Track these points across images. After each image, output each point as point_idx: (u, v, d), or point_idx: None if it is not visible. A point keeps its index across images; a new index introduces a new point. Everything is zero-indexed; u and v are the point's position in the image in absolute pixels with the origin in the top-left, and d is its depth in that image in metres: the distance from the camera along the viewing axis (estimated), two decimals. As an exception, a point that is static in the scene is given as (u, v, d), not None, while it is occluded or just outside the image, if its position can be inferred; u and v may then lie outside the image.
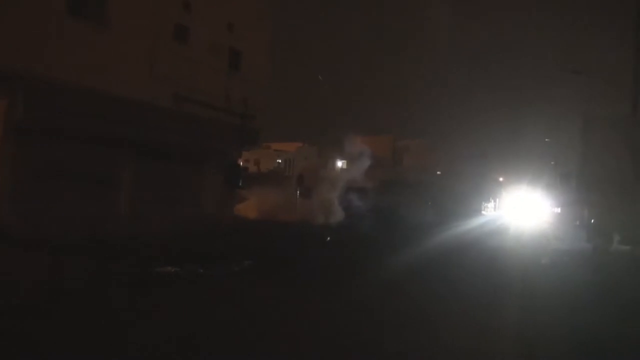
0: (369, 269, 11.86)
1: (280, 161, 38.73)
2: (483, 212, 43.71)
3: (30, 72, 11.75)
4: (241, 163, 39.39)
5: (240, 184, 18.40)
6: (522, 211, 37.26)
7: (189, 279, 9.99)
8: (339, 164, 35.38)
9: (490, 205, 46.73)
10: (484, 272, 12.29)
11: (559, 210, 32.05)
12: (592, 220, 8.86)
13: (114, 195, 14.36)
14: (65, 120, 12.67)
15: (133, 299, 8.01)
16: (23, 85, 11.83)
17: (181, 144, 15.68)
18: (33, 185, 12.46)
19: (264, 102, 18.47)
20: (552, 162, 36.83)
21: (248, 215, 21.20)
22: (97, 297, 7.95)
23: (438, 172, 38.44)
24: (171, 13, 15.05)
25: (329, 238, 17.53)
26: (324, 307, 8.28)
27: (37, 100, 12.12)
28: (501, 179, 54.54)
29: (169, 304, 7.99)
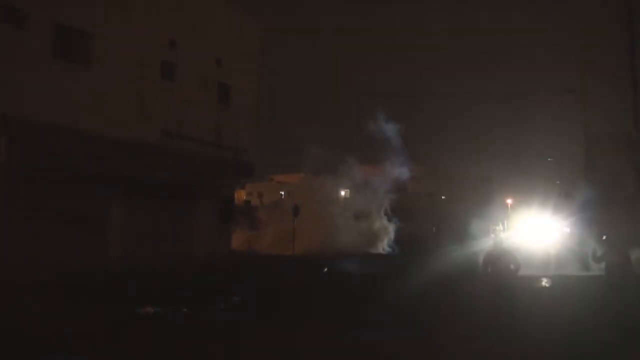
0: (361, 305, 11.49)
1: (282, 193, 38.59)
2: (492, 234, 42.90)
3: (15, 115, 11.80)
4: (244, 197, 39.14)
5: (233, 219, 18.17)
6: (531, 233, 36.59)
7: (172, 318, 9.73)
8: (342, 193, 35.17)
9: (499, 227, 46.03)
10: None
11: (568, 230, 31.43)
12: (604, 237, 8.84)
13: (103, 234, 14.19)
14: (51, 161, 12.65)
15: (105, 341, 7.75)
16: (8, 128, 11.87)
17: (171, 181, 15.59)
18: (20, 226, 12.35)
19: (255, 134, 18.44)
20: (558, 182, 36.30)
21: (245, 249, 20.94)
22: (65, 339, 7.70)
23: (443, 197, 38.01)
24: (157, 51, 15.17)
25: (325, 269, 17.18)
26: (307, 347, 7.93)
27: (23, 143, 12.14)
28: (509, 201, 53.91)
29: (140, 345, 7.71)
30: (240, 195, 36.81)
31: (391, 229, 30.64)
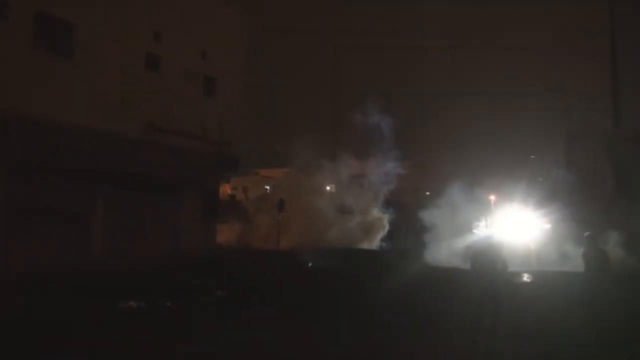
0: (346, 299, 11.52)
1: (268, 187, 38.50)
2: (474, 230, 43.36)
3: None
4: (229, 191, 38.96)
5: (218, 214, 18.07)
6: (513, 229, 37.05)
7: (155, 313, 9.68)
8: (328, 187, 35.13)
9: (482, 223, 46.51)
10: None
11: (549, 226, 31.91)
12: (585, 234, 8.75)
13: (86, 229, 14.01)
14: (31, 154, 12.43)
15: (87, 335, 7.69)
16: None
17: (155, 175, 15.42)
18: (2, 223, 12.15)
19: (240, 128, 18.32)
20: (540, 179, 36.76)
21: (231, 244, 20.85)
22: (45, 334, 7.62)
23: (427, 193, 38.21)
24: (141, 43, 14.97)
25: (310, 264, 17.19)
26: (285, 339, 7.97)
27: (1, 136, 11.90)
28: (492, 197, 54.48)
29: (121, 339, 7.66)
30: (226, 190, 36.62)
31: (383, 224, 30.66)
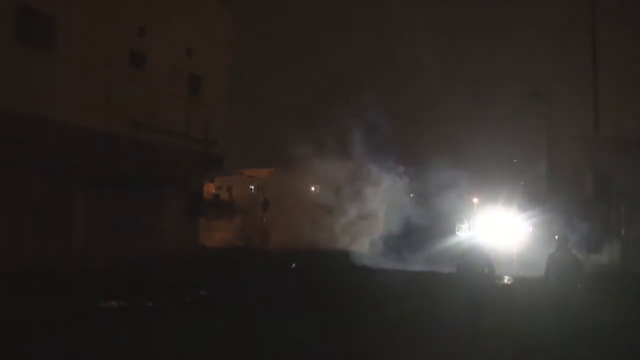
0: (329, 297, 11.54)
1: (252, 187, 38.35)
2: (457, 232, 43.75)
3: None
4: (213, 190, 38.78)
5: (202, 213, 17.95)
6: (496, 231, 37.47)
7: (135, 312, 9.56)
8: (312, 188, 35.07)
9: (465, 225, 46.92)
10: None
11: (531, 229, 32.37)
12: (557, 237, 8.59)
13: (66, 227, 13.77)
14: (12, 149, 12.18)
15: (64, 336, 7.55)
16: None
17: (138, 172, 15.25)
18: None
19: (225, 127, 18.23)
20: (522, 182, 37.22)
21: (215, 243, 20.72)
22: (23, 330, 7.47)
23: (411, 195, 38.41)
24: (125, 38, 14.78)
25: (294, 264, 17.15)
26: (265, 336, 7.95)
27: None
28: (475, 200, 54.98)
29: (100, 339, 7.54)
30: (210, 189, 36.34)
31: (373, 226, 30.53)
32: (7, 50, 12.01)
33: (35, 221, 12.94)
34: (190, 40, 16.85)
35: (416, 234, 29.96)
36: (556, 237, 8.38)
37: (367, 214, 29.70)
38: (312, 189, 34.90)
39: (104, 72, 14.12)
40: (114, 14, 14.36)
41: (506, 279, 16.01)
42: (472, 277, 7.98)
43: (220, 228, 26.05)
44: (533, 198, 31.90)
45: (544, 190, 28.74)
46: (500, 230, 38.28)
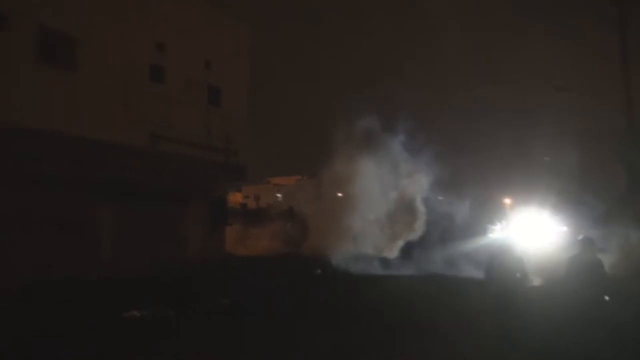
0: (353, 306, 11.44)
1: (279, 195, 38.59)
2: (489, 234, 42.80)
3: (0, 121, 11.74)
4: (240, 199, 39.05)
5: (227, 221, 18.12)
6: (529, 232, 36.55)
7: (158, 322, 9.69)
8: (340, 194, 34.94)
9: (497, 227, 45.86)
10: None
11: (565, 229, 31.38)
12: (579, 237, 7.70)
13: (93, 239, 14.13)
14: (38, 166, 12.59)
15: (86, 344, 7.71)
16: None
17: (161, 183, 15.53)
18: (7, 232, 12.30)
19: (246, 137, 18.40)
20: (555, 181, 36.13)
21: (241, 251, 20.87)
22: (45, 342, 7.66)
23: (440, 198, 37.83)
24: (145, 54, 15.15)
25: (319, 271, 17.11)
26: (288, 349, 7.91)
27: (8, 148, 12.09)
28: (508, 201, 53.81)
29: (120, 348, 7.67)
30: (237, 198, 36.83)
31: (401, 230, 30.14)
32: (31, 71, 12.45)
33: (62, 234, 13.33)
34: (209, 53, 17.13)
35: (446, 237, 29.44)
36: (579, 237, 7.76)
37: (394, 217, 29.36)
38: (339, 194, 34.85)
39: (123, 87, 14.50)
40: (133, 31, 14.74)
41: (537, 281, 15.53)
42: (503, 282, 7.55)
43: (261, 235, 26.28)
44: (566, 197, 30.95)
45: (576, 188, 27.85)
46: (533, 231, 37.32)
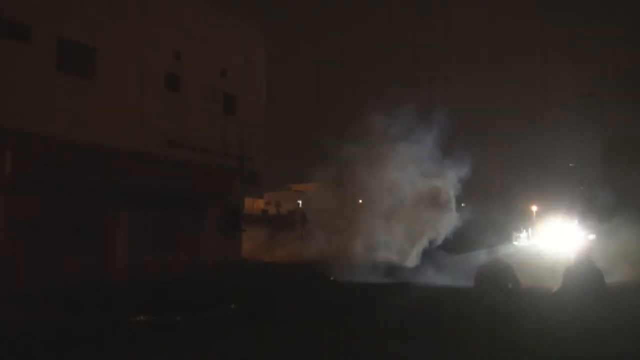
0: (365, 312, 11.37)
1: (300, 202, 38.67)
2: (514, 242, 42.05)
3: (20, 129, 12.12)
4: (262, 206, 39.24)
5: (241, 228, 18.24)
6: (556, 240, 35.80)
7: (164, 327, 9.79)
8: (360, 201, 34.75)
9: (523, 234, 44.98)
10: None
11: (592, 237, 30.55)
12: (576, 246, 7.30)
13: (109, 245, 14.41)
14: (56, 173, 12.94)
15: (88, 349, 7.85)
16: (14, 140, 12.20)
17: (176, 190, 15.76)
18: (25, 238, 12.65)
19: (262, 144, 18.54)
20: (581, 188, 35.30)
21: (258, 257, 20.96)
22: (50, 346, 7.83)
23: (462, 204, 37.25)
24: (161, 63, 15.44)
25: (332, 277, 17.05)
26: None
27: (28, 155, 12.46)
28: (535, 208, 52.72)
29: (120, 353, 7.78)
30: (259, 205, 37.11)
31: (421, 236, 29.72)
32: (49, 80, 12.84)
33: (80, 239, 13.64)
34: (224, 61, 17.36)
35: (467, 243, 28.86)
36: (575, 246, 7.31)
37: (414, 224, 28.94)
38: (360, 201, 34.67)
39: (140, 95, 14.80)
40: (149, 40, 15.06)
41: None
42: (493, 292, 7.13)
43: (278, 241, 26.37)
44: (593, 204, 30.17)
45: (603, 195, 27.08)
46: (560, 239, 36.46)
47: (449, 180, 26.20)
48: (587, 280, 6.51)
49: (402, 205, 26.05)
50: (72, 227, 13.48)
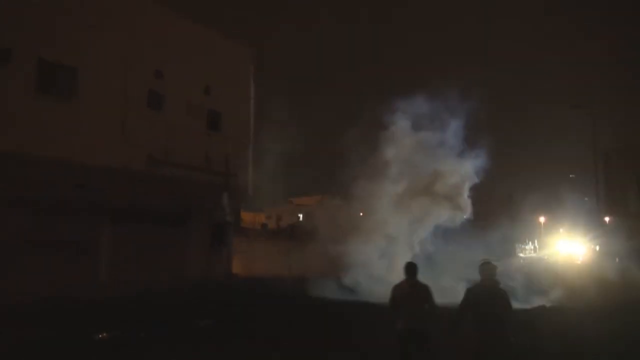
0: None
1: (300, 215, 38.71)
2: (520, 254, 41.35)
3: (1, 149, 12.41)
4: (263, 220, 39.26)
5: (227, 243, 18.31)
6: (563, 251, 35.32)
7: (125, 344, 9.84)
8: (361, 214, 34.62)
9: (529, 247, 44.25)
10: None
11: (597, 248, 30.12)
12: (480, 262, 6.01)
13: (92, 261, 14.59)
14: (38, 192, 13.18)
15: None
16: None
17: (160, 206, 15.92)
18: (7, 256, 12.88)
19: (247, 159, 18.66)
20: (586, 199, 34.75)
21: (247, 272, 20.96)
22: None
23: (465, 216, 36.89)
24: (143, 81, 15.71)
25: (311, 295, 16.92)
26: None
27: (9, 175, 12.74)
28: (542, 219, 51.93)
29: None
30: (260, 219, 37.23)
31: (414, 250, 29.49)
32: (30, 101, 13.16)
33: (62, 257, 13.82)
34: (209, 78, 17.58)
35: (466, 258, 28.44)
36: (480, 262, 5.99)
37: (409, 237, 28.68)
38: (360, 214, 34.55)
39: (122, 113, 15.06)
40: (131, 59, 15.35)
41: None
42: (407, 314, 6.35)
43: (269, 256, 26.34)
44: (595, 215, 29.73)
45: (603, 206, 26.72)
46: (566, 250, 35.88)
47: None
48: (490, 302, 5.69)
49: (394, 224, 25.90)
50: (54, 244, 13.67)
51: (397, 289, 6.58)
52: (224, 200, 17.77)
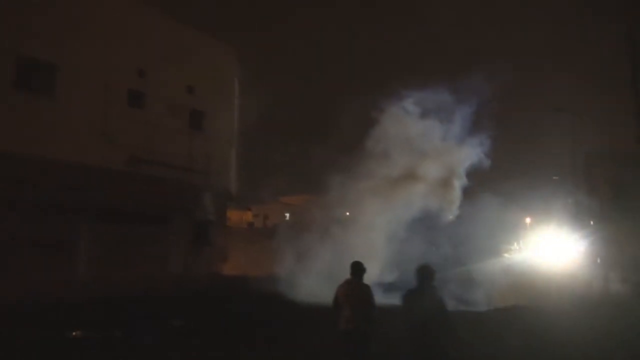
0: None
1: (287, 214, 38.65)
2: (505, 254, 41.59)
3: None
4: (250, 219, 39.11)
5: (209, 242, 18.28)
6: (547, 252, 35.63)
7: (98, 343, 9.85)
8: (347, 213, 34.68)
9: (514, 247, 44.60)
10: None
11: (582, 249, 30.41)
12: (417, 267, 5.71)
13: (71, 260, 14.49)
14: (16, 190, 13.05)
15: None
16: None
17: (142, 206, 15.85)
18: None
19: (230, 159, 18.63)
20: (570, 201, 35.01)
21: (229, 271, 20.95)
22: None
23: (450, 217, 37.06)
24: (124, 80, 15.62)
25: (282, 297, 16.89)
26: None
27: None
28: (528, 220, 52.32)
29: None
30: (248, 217, 37.04)
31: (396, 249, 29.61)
32: (8, 97, 13.04)
33: (41, 257, 13.69)
34: (191, 78, 17.51)
35: (451, 257, 28.58)
36: (418, 266, 5.71)
37: (392, 237, 28.73)
38: (347, 213, 34.59)
39: (103, 112, 14.97)
40: (112, 57, 15.26)
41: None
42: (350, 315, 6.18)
43: (251, 255, 26.30)
44: (580, 217, 30.02)
45: (586, 208, 26.98)
46: (552, 251, 36.15)
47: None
48: (426, 306, 5.47)
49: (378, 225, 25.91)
50: (33, 244, 13.50)
51: (341, 288, 6.42)
52: (207, 200, 17.74)
